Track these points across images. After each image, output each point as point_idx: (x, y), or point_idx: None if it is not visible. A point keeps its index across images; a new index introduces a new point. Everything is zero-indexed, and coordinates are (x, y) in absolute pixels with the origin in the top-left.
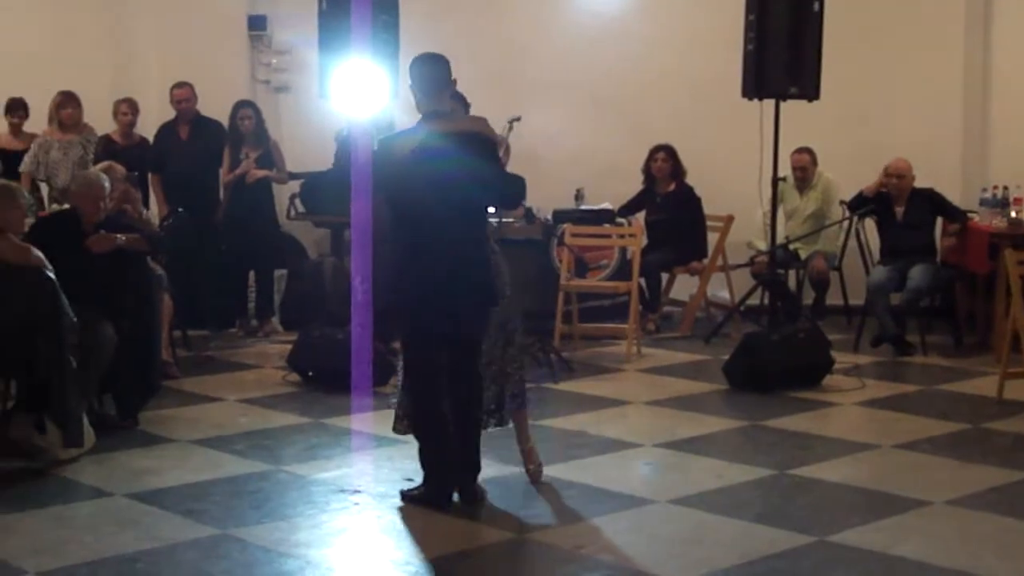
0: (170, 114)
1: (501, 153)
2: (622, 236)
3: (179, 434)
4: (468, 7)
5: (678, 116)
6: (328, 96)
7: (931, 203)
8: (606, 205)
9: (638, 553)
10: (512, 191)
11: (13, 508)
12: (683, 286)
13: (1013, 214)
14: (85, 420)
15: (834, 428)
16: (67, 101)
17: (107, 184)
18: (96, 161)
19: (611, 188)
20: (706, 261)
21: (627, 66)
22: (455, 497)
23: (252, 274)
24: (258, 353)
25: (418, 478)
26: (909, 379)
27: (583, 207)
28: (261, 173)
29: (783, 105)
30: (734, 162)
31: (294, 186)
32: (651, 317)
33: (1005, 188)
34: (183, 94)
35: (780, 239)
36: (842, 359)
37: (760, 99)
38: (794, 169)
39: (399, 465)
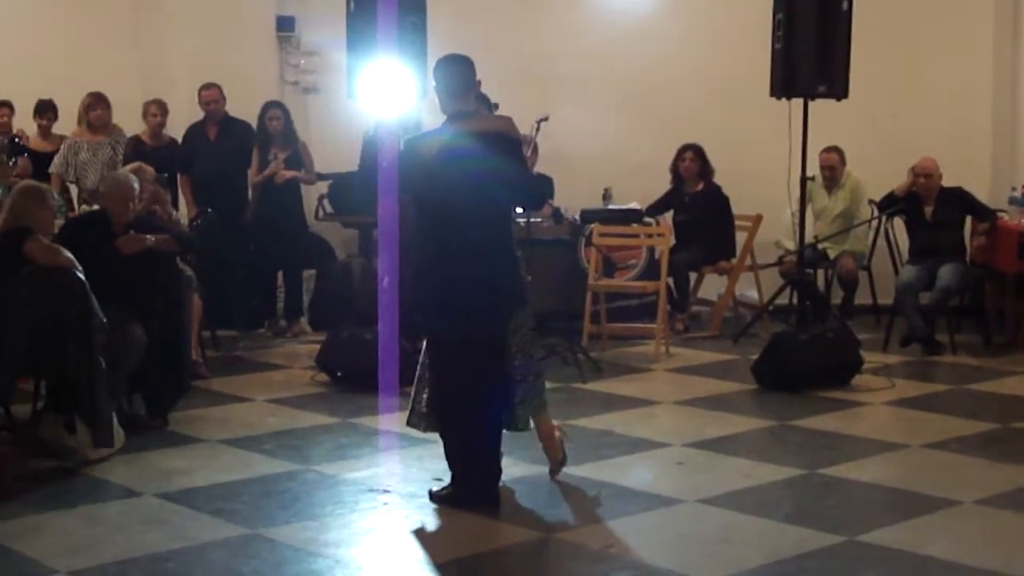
0: (199, 115)
1: (528, 153)
2: (650, 236)
3: (208, 434)
4: (495, 7)
5: (706, 115)
6: (356, 97)
7: (960, 202)
8: (634, 205)
9: (666, 553)
10: (538, 191)
11: (44, 508)
12: (711, 286)
13: None
14: (115, 420)
15: (863, 428)
16: (96, 103)
17: (136, 185)
18: (125, 162)
19: (639, 187)
20: (734, 261)
21: (655, 65)
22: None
23: (281, 274)
24: (287, 353)
25: (447, 478)
26: (938, 379)
27: (611, 207)
28: (289, 174)
29: (812, 104)
30: (762, 161)
31: (322, 187)
32: (679, 317)
33: None
34: (211, 95)
35: (808, 239)
36: (871, 359)
37: (788, 98)
38: (822, 168)
39: (428, 465)
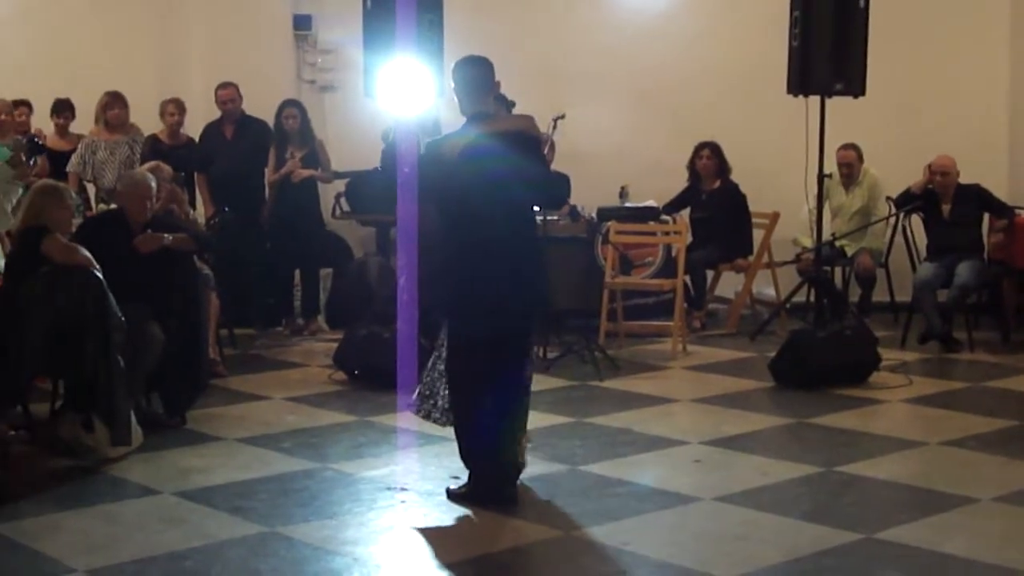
0: (216, 114)
1: (545, 151)
2: (667, 233)
3: (226, 432)
4: (512, 5)
5: (723, 113)
6: (373, 95)
7: (978, 199)
8: (651, 202)
9: (684, 551)
10: (558, 190)
11: (62, 506)
12: (728, 283)
13: None
14: (133, 418)
15: (881, 425)
16: (114, 102)
17: (154, 184)
18: (143, 161)
19: (656, 185)
20: (752, 258)
21: (672, 63)
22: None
23: (298, 273)
24: (304, 351)
25: (464, 476)
26: (956, 376)
27: (628, 204)
28: (306, 172)
29: (829, 101)
30: (779, 159)
31: (339, 185)
32: (696, 315)
33: None
34: (228, 94)
35: (826, 236)
36: (889, 356)
37: (806, 95)
38: (840, 166)
39: (446, 463)
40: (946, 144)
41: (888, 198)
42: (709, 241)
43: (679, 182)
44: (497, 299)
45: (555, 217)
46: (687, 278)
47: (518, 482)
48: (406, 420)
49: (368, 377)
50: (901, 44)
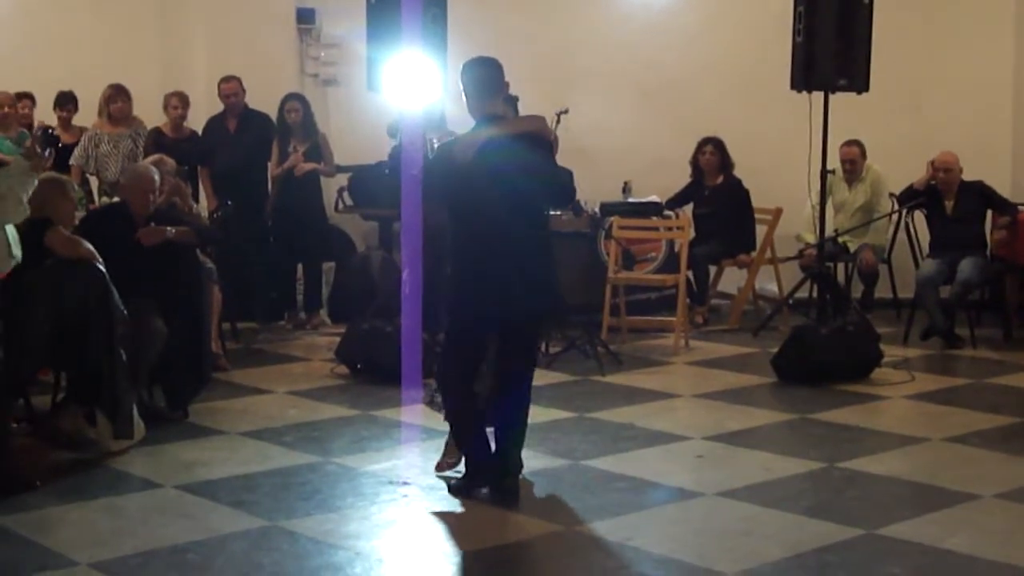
0: (219, 107)
1: None
2: (670, 229)
3: (228, 426)
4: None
5: (726, 108)
6: (377, 89)
7: (981, 196)
8: (653, 198)
9: (686, 546)
10: (569, 191)
11: (65, 500)
12: (731, 279)
13: None
14: (135, 412)
15: (883, 421)
16: (117, 94)
17: (157, 177)
18: (146, 154)
19: (659, 181)
20: (754, 254)
21: (675, 58)
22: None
23: (300, 267)
24: (307, 345)
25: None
26: (958, 372)
27: (631, 200)
28: (309, 166)
29: (832, 97)
30: (782, 155)
31: (342, 179)
32: (699, 310)
33: None
34: (231, 88)
35: (829, 232)
36: (891, 352)
37: (809, 91)
38: (843, 162)
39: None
40: (949, 140)
41: (891, 194)
42: (712, 236)
43: (682, 177)
44: (509, 298)
45: (558, 212)
46: (690, 273)
47: (520, 477)
48: (409, 414)
49: (371, 371)
50: (905, 40)
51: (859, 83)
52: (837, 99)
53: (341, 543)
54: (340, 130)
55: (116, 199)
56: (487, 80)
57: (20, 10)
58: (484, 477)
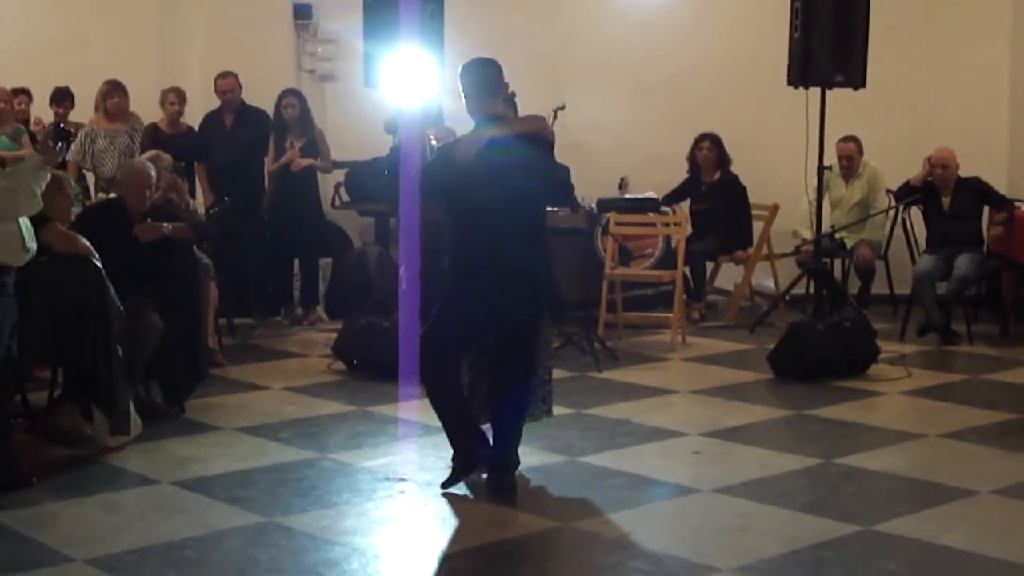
0: (215, 103)
1: None
2: (667, 225)
3: (225, 422)
4: None
5: (723, 104)
6: (374, 85)
7: (977, 192)
8: (650, 194)
9: (683, 542)
10: (568, 190)
11: (61, 496)
12: (728, 275)
13: None
14: (132, 408)
15: (880, 417)
16: (113, 90)
17: (153, 173)
18: (143, 150)
19: (656, 177)
20: (751, 250)
21: (672, 54)
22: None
23: (297, 262)
24: (303, 341)
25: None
26: (955, 368)
27: (627, 196)
28: (306, 162)
29: (829, 93)
30: (779, 151)
31: (339, 175)
32: (696, 306)
33: None
34: (227, 84)
35: (826, 228)
36: (888, 348)
37: (806, 87)
38: (840, 158)
39: (444, 453)
40: (946, 137)
41: (888, 190)
42: (709, 233)
43: (679, 173)
44: (508, 297)
45: (555, 208)
46: (686, 269)
47: (516, 473)
48: (405, 411)
49: (367, 367)
50: (902, 36)
51: (856, 79)
52: (834, 95)
53: (338, 539)
54: (337, 126)
55: (113, 195)
56: (487, 81)
57: (17, 6)
58: (473, 469)
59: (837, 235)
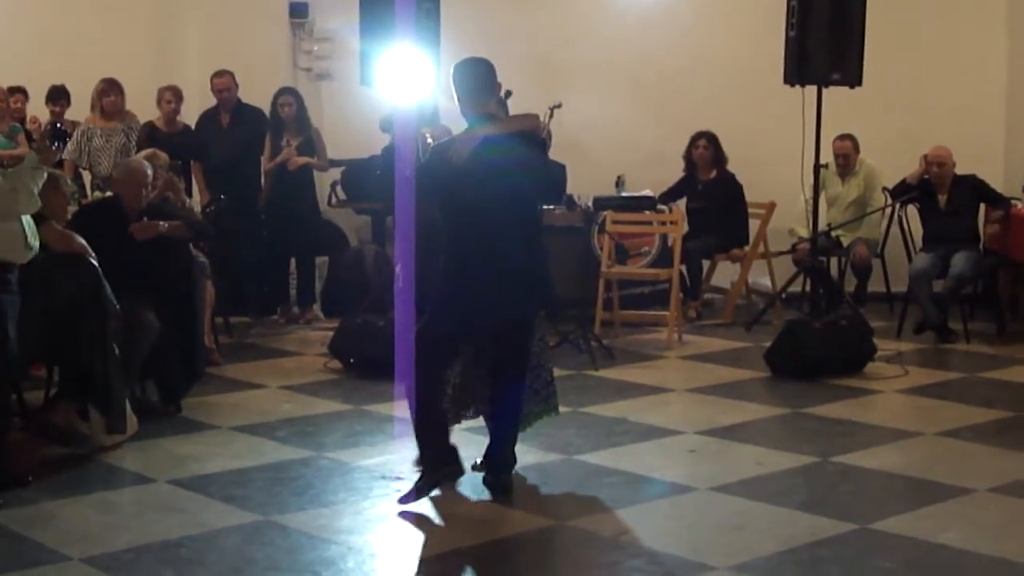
0: (211, 102)
1: None
2: (663, 223)
3: (221, 420)
4: None
5: (720, 103)
6: (370, 83)
7: (974, 190)
8: (647, 192)
9: (679, 540)
10: (560, 187)
11: (57, 495)
12: (724, 273)
13: None
14: (128, 406)
15: (876, 415)
16: (110, 88)
17: (150, 172)
18: (139, 149)
19: (652, 175)
20: (747, 248)
21: (669, 52)
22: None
23: (293, 261)
24: (300, 340)
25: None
26: (952, 366)
27: (624, 194)
28: (302, 160)
29: (825, 91)
30: (776, 149)
31: (335, 173)
32: (692, 304)
33: None
34: (223, 83)
35: (822, 226)
36: (884, 346)
37: (802, 85)
38: (836, 156)
39: None
40: (942, 135)
41: (884, 188)
42: (705, 231)
43: (675, 172)
44: (503, 296)
45: (551, 206)
46: (683, 268)
47: (513, 472)
48: (402, 409)
49: (363, 366)
50: (898, 35)
51: (852, 77)
52: (830, 93)
53: (334, 538)
54: (333, 124)
55: (109, 194)
56: (479, 80)
57: (13, 4)
58: (441, 474)
59: (833, 233)
